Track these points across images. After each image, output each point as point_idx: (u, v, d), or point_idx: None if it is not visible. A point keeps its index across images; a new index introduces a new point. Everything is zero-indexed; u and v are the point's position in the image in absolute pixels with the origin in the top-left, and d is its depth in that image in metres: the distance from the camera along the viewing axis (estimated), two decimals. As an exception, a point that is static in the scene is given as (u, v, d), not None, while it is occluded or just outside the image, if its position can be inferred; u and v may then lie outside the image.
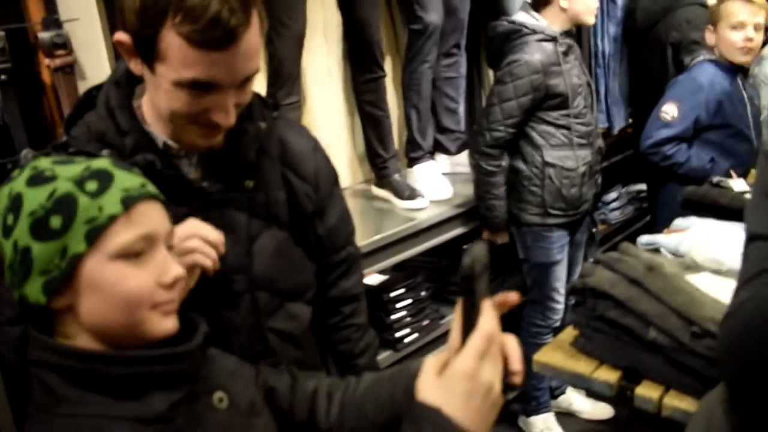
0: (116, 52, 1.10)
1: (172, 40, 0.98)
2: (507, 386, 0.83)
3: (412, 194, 2.64)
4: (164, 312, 0.87)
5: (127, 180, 0.86)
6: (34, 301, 0.84)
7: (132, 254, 0.84)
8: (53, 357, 0.84)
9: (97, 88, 1.20)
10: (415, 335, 2.60)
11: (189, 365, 0.89)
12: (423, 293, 2.67)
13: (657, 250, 1.80)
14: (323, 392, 1.08)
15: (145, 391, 0.85)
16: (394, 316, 2.56)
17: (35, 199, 0.82)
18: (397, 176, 2.70)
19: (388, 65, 2.63)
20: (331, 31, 2.79)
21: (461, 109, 3.12)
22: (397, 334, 2.55)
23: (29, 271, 0.83)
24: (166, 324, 0.88)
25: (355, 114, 2.89)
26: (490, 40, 2.65)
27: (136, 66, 1.08)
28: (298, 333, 1.35)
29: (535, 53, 2.47)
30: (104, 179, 0.84)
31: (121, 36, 1.05)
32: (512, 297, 0.86)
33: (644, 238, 1.87)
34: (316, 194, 1.32)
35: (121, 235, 0.83)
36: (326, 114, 2.80)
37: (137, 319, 0.85)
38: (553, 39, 2.52)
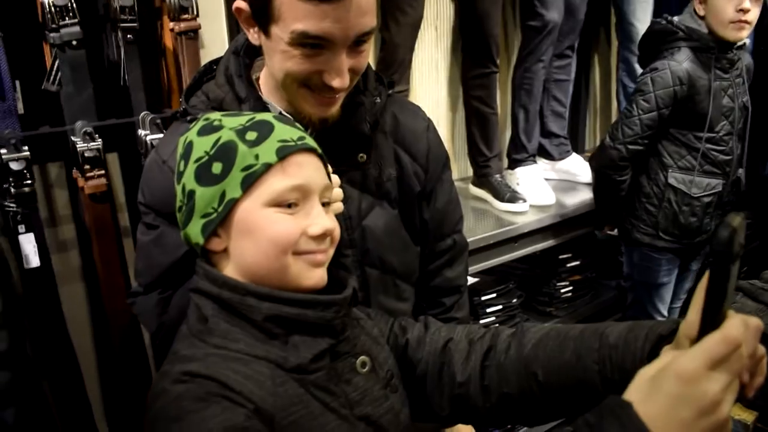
0: (235, 22, 1.09)
1: None
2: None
3: (513, 197, 2.54)
4: (311, 262, 0.88)
5: (287, 132, 0.89)
6: (195, 241, 0.90)
7: (284, 203, 0.86)
8: (211, 286, 0.87)
9: (217, 61, 1.20)
10: (503, 343, 2.51)
11: (335, 317, 0.88)
12: (514, 300, 2.57)
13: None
14: (461, 342, 1.00)
15: (290, 336, 0.86)
16: (482, 321, 2.48)
17: (202, 146, 0.88)
18: (497, 176, 2.61)
19: (496, 62, 2.53)
20: (443, 24, 2.72)
21: (567, 113, 3.00)
22: (485, 340, 2.45)
23: (192, 213, 0.89)
24: (313, 274, 0.88)
25: (457, 110, 2.81)
26: (645, 38, 2.44)
27: (253, 35, 1.07)
28: (407, 314, 1.31)
29: (683, 61, 2.25)
30: (264, 130, 0.88)
31: (240, 3, 1.06)
32: None
33: (781, 268, 1.72)
34: (425, 175, 1.28)
35: (275, 184, 0.85)
36: (429, 107, 2.72)
37: (282, 264, 0.86)
38: (710, 49, 2.27)
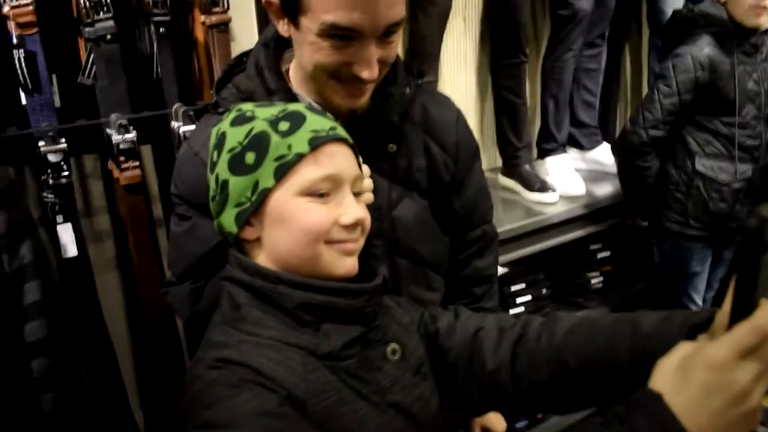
0: (265, 14, 1.10)
1: None
2: None
3: (543, 187, 2.53)
4: (342, 251, 0.89)
5: (318, 122, 0.90)
6: (228, 230, 0.91)
7: (316, 193, 0.87)
8: (243, 274, 0.89)
9: (247, 54, 1.21)
10: (533, 334, 2.51)
11: (365, 305, 0.89)
12: (544, 291, 2.56)
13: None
14: (491, 330, 0.99)
15: (321, 324, 0.86)
16: (512, 311, 2.47)
17: (235, 137, 0.89)
18: (527, 167, 2.60)
19: (525, 51, 2.52)
20: (471, 13, 2.70)
21: (597, 103, 2.97)
22: (514, 331, 2.46)
23: (225, 202, 0.90)
24: (345, 263, 0.89)
25: (486, 100, 2.80)
26: (667, 27, 2.44)
27: (283, 27, 1.08)
28: (437, 304, 1.31)
29: (704, 47, 2.25)
30: (296, 120, 0.89)
31: None
32: None
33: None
34: (455, 166, 1.28)
35: (307, 174, 0.86)
36: (458, 97, 2.69)
37: (314, 252, 0.87)
38: (732, 34, 2.26)
